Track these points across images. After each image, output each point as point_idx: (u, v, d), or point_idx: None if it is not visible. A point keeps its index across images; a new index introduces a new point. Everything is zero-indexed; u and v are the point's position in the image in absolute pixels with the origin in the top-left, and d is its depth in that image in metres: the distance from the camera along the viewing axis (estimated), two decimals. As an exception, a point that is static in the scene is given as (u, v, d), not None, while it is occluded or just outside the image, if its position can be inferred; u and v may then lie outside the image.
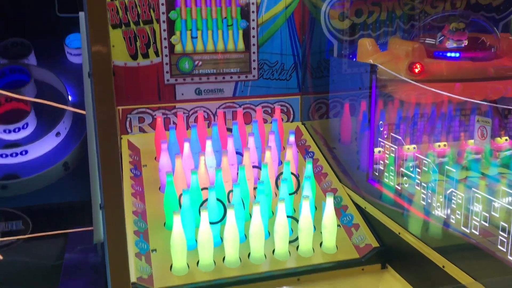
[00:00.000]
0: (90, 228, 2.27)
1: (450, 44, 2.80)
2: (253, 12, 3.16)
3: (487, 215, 1.83)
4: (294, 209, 2.64)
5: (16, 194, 2.57)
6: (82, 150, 2.69)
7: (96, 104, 1.21)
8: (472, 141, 2.84)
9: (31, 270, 2.26)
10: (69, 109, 2.83)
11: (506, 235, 1.72)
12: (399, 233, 2.29)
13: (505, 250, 1.73)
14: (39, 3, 2.63)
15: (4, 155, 2.65)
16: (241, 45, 3.19)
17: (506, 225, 1.72)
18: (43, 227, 2.34)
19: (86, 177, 2.44)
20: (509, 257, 1.71)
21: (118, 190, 1.31)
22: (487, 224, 1.83)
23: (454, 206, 2.06)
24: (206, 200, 2.39)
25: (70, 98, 2.95)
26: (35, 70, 3.04)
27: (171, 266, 2.26)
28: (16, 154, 2.69)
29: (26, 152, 2.71)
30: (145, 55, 3.06)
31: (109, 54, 1.24)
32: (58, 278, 2.20)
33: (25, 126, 2.79)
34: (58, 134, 2.76)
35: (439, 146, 2.90)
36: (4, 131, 2.73)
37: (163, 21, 3.03)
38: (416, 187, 2.35)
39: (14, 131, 2.76)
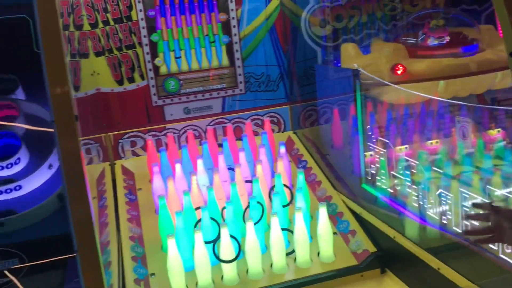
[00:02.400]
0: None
1: (431, 41, 2.81)
2: (234, 26, 3.18)
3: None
4: (290, 221, 2.63)
5: (13, 230, 2.59)
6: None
7: (61, 152, 1.21)
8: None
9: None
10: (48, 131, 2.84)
11: (496, 233, 1.71)
12: (394, 237, 2.28)
13: (496, 248, 1.72)
14: (17, 41, 2.67)
15: (-1, 192, 2.68)
16: (225, 61, 3.21)
17: (495, 223, 1.71)
18: (40, 261, 2.36)
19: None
20: (501, 255, 1.70)
21: (91, 235, 1.31)
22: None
23: (445, 206, 2.06)
24: (200, 220, 2.39)
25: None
26: (23, 105, 3.06)
27: (170, 289, 2.27)
28: (11, 190, 2.72)
29: (20, 187, 2.74)
30: (131, 80, 3.08)
31: (69, 97, 1.24)
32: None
33: (17, 161, 2.81)
34: (50, 166, 2.78)
35: (431, 143, 2.89)
36: (-3, 167, 2.75)
37: (146, 45, 3.05)
38: (408, 189, 2.35)
39: (7, 167, 2.78)
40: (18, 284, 2.28)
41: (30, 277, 2.33)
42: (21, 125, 2.76)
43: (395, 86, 2.45)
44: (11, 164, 2.78)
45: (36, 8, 1.28)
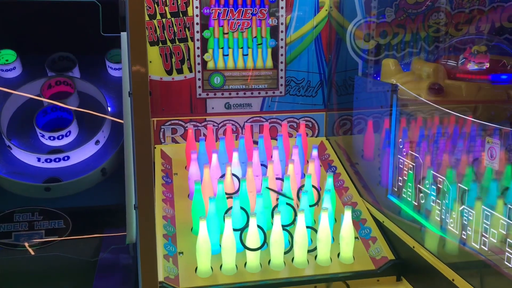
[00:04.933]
0: (123, 234, 2.45)
1: (471, 66, 2.89)
2: (282, 31, 3.34)
3: (495, 231, 1.92)
4: (315, 221, 2.76)
5: (58, 196, 2.80)
6: (119, 158, 2.91)
7: (134, 119, 1.39)
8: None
9: (70, 265, 2.48)
10: (108, 118, 3.04)
11: (512, 252, 1.80)
12: (414, 247, 2.38)
13: (511, 265, 1.81)
14: (85, 23, 2.89)
15: (48, 160, 2.89)
16: (269, 63, 3.36)
17: (513, 242, 1.81)
18: (82, 227, 2.55)
19: (122, 182, 2.63)
20: (515, 273, 1.79)
21: (151, 193, 1.49)
22: (495, 241, 1.92)
23: (465, 222, 2.15)
24: (231, 208, 2.55)
25: (109, 109, 3.17)
26: (78, 83, 3.28)
27: (196, 269, 2.43)
28: (59, 159, 2.93)
29: (68, 158, 2.95)
30: (180, 71, 3.27)
31: (147, 74, 1.42)
32: (94, 274, 2.41)
33: (68, 133, 3.02)
34: (97, 142, 2.98)
35: (459, 164, 2.96)
36: (50, 137, 2.97)
37: (197, 40, 3.24)
38: (432, 203, 2.45)
39: (58, 138, 2.99)
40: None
41: (71, 240, 2.53)
42: (81, 110, 2.97)
43: (432, 104, 2.55)
44: (62, 136, 3.00)
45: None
